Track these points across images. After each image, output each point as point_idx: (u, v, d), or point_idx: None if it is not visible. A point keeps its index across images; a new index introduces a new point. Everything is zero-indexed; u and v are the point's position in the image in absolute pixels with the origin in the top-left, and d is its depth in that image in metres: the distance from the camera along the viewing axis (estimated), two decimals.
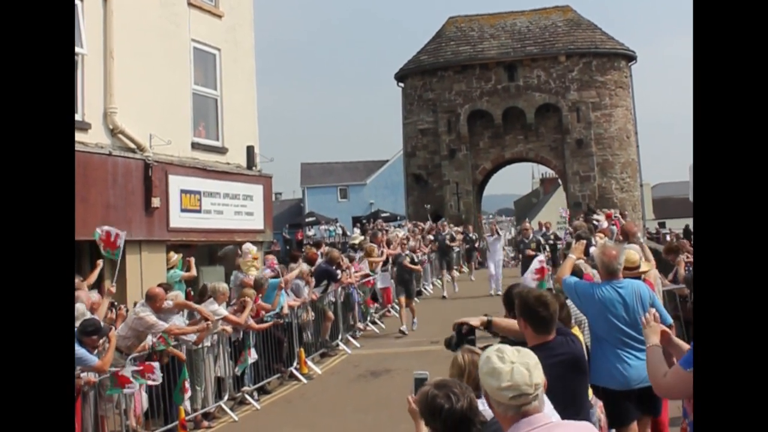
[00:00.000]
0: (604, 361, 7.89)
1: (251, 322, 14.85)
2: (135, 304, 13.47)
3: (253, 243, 19.47)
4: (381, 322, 22.35)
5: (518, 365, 3.81)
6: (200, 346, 13.53)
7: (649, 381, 5.61)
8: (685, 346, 5.78)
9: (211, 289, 14.42)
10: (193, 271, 17.52)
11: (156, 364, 11.71)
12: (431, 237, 31.06)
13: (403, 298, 20.93)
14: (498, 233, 28.69)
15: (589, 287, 8.30)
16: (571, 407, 5.27)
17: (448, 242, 29.33)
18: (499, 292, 22.66)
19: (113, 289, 13.12)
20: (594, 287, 8.24)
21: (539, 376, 3.85)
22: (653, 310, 6.22)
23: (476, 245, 36.15)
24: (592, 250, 12.33)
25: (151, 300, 12.50)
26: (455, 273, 29.80)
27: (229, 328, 14.22)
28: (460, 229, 35.12)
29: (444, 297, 26.35)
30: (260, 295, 15.58)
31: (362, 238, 29.17)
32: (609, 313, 7.96)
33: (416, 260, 23.06)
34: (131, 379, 11.13)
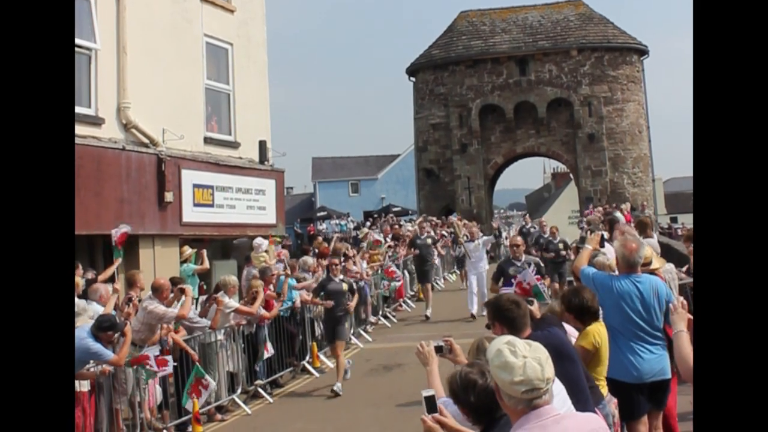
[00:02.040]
0: (618, 353, 7.90)
1: (263, 311, 14.90)
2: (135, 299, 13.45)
3: (265, 237, 19.57)
4: (393, 316, 22.41)
5: (530, 360, 3.86)
6: (213, 340, 13.61)
7: (678, 365, 5.62)
8: None
9: (221, 282, 14.49)
10: (206, 264, 17.56)
11: (169, 358, 11.81)
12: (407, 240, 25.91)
13: (337, 345, 15.27)
14: (495, 232, 24.96)
15: (607, 279, 8.34)
16: (576, 393, 5.32)
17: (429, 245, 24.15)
18: (473, 312, 20.63)
19: (118, 287, 13.17)
20: (613, 279, 8.29)
21: (550, 371, 3.90)
22: (681, 298, 6.27)
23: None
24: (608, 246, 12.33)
25: (157, 291, 12.55)
26: (433, 285, 25.26)
27: (243, 321, 14.31)
28: (462, 222, 33.68)
29: (427, 317, 21.61)
30: (269, 286, 15.65)
31: (366, 231, 29.22)
32: (626, 305, 8.00)
33: (355, 287, 17.34)
34: (150, 359, 11.29)
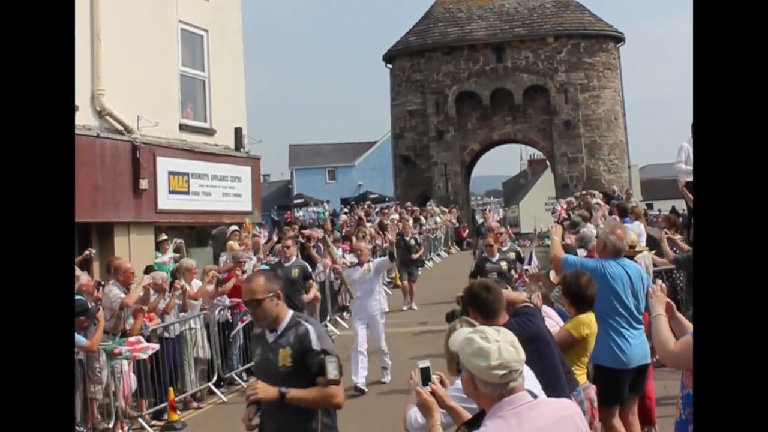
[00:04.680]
0: (607, 339, 7.85)
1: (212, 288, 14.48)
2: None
3: (239, 225, 19.47)
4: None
5: (504, 343, 3.86)
6: (188, 328, 13.55)
7: (656, 349, 5.62)
8: (687, 322, 5.85)
9: (177, 268, 14.43)
10: (164, 257, 17.06)
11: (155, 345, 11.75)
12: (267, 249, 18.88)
13: None
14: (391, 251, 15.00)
15: (597, 263, 8.22)
16: (541, 383, 5.32)
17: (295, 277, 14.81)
18: (384, 380, 13.73)
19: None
20: (603, 263, 8.15)
21: (523, 353, 3.90)
22: (659, 282, 6.27)
23: (417, 250, 23.58)
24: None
25: (116, 273, 12.34)
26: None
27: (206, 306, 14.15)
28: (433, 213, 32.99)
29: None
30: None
31: (345, 218, 29.15)
32: (618, 289, 7.97)
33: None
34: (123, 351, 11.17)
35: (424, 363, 4.68)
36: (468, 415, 4.51)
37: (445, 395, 4.55)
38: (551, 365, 6.05)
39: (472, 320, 5.56)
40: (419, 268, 24.85)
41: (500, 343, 3.85)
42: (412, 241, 23.18)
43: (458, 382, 4.56)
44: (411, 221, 28.37)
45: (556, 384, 5.80)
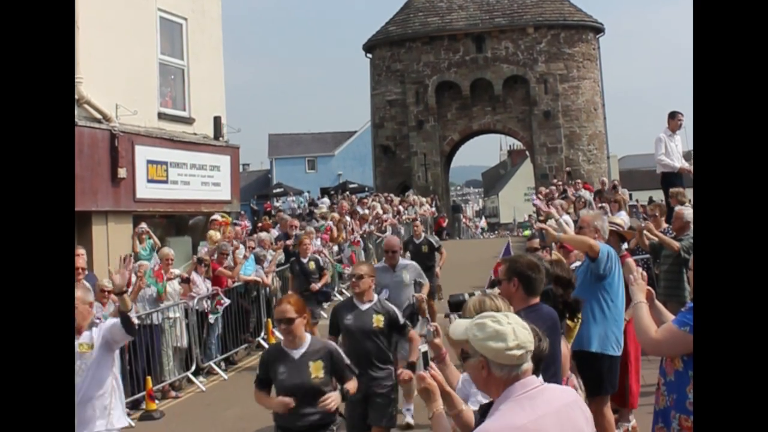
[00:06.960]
0: (613, 327, 7.88)
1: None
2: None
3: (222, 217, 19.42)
4: (348, 292, 22.41)
5: (516, 325, 3.82)
6: (166, 317, 13.54)
7: (638, 337, 5.63)
8: (665, 310, 5.90)
9: (159, 255, 14.48)
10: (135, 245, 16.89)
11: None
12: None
13: None
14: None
15: (615, 252, 8.04)
16: (552, 369, 5.37)
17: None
18: None
19: None
20: (614, 251, 8.04)
21: (532, 333, 3.89)
22: (640, 269, 6.29)
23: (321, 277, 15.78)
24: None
25: None
26: None
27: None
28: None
29: None
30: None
31: (325, 210, 28.95)
32: (624, 278, 7.88)
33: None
34: None
35: (423, 347, 4.64)
36: (461, 404, 4.49)
37: (443, 380, 4.51)
38: (556, 354, 6.09)
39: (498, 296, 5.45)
40: (325, 304, 16.94)
41: (513, 325, 3.82)
42: (312, 265, 15.55)
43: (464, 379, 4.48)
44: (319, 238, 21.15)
45: (555, 371, 5.87)
